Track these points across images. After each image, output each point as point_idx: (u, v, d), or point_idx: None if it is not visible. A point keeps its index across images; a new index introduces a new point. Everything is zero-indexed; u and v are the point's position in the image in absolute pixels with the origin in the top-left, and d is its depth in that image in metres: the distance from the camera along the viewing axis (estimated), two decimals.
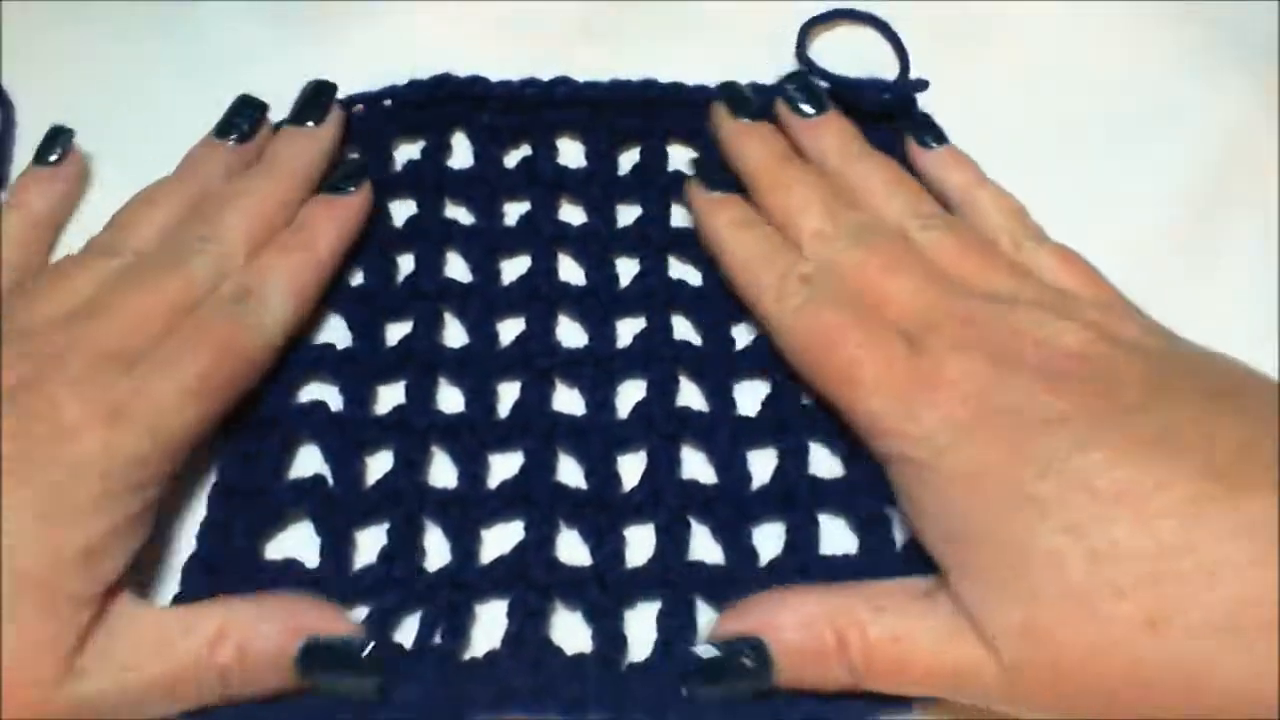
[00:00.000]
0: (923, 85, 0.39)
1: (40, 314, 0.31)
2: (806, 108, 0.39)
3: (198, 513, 0.33)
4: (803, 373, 0.33)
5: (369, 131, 0.40)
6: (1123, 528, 0.26)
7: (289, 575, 0.31)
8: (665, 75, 0.41)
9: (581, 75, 0.41)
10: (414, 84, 0.40)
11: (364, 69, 0.41)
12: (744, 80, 0.41)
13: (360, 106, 0.40)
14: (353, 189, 0.36)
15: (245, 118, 0.38)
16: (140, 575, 0.31)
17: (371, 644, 0.29)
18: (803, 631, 0.29)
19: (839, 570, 0.32)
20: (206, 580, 0.31)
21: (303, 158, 0.37)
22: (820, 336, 0.32)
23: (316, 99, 0.38)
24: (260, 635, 0.28)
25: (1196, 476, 0.26)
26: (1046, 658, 0.26)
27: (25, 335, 0.31)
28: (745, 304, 0.35)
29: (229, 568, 0.31)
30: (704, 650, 0.29)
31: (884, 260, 0.33)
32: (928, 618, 0.28)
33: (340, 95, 0.40)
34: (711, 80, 0.41)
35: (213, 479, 0.33)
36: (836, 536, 0.33)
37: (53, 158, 0.38)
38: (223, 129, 0.38)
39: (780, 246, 0.35)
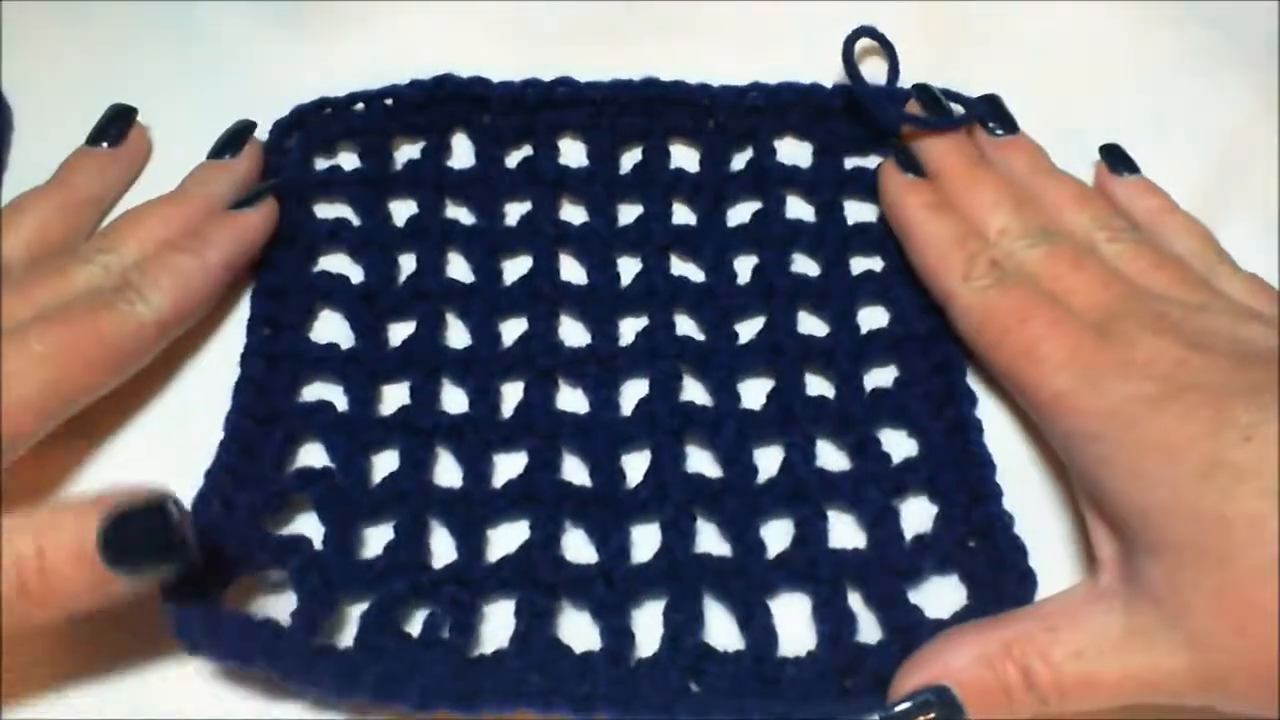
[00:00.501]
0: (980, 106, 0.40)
1: None
2: (997, 128, 0.39)
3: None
4: (982, 351, 0.33)
5: (369, 131, 0.40)
6: None
7: (295, 552, 0.31)
8: (667, 75, 0.41)
9: (583, 75, 0.41)
10: (415, 84, 0.40)
11: (364, 69, 0.41)
12: (745, 80, 0.41)
13: (361, 106, 0.40)
14: (254, 206, 0.37)
15: (116, 125, 0.40)
16: None
17: (172, 500, 0.27)
18: (984, 669, 0.28)
19: (848, 565, 0.32)
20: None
21: (211, 185, 0.37)
22: (1006, 314, 0.32)
23: (236, 137, 0.39)
24: (58, 527, 0.27)
25: None
26: (1238, 625, 0.25)
27: None
28: (928, 281, 0.35)
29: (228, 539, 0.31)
30: (892, 710, 0.28)
31: (1072, 257, 0.33)
32: (1108, 623, 0.27)
33: (340, 95, 0.40)
34: (714, 79, 0.41)
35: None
36: (844, 531, 0.33)
37: (105, 141, 0.39)
38: (94, 137, 0.39)
39: (971, 232, 0.35)
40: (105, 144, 0.39)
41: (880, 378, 0.36)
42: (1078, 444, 0.30)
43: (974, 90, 0.41)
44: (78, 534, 0.27)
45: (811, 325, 0.37)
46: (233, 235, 0.36)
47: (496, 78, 0.40)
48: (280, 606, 0.31)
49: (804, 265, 0.38)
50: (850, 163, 0.40)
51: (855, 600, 0.31)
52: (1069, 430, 0.30)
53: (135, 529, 0.27)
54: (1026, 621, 0.28)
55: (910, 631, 0.30)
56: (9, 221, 0.36)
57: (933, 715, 0.28)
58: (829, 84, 0.41)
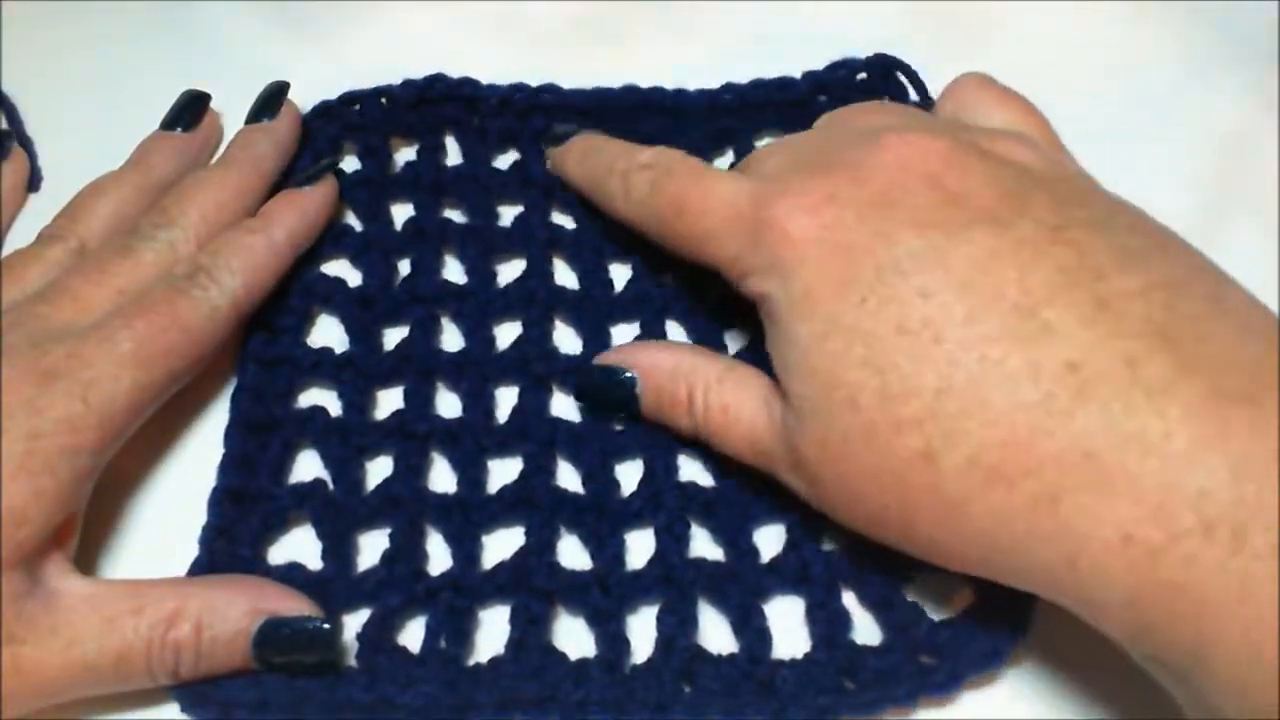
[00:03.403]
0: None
1: None
2: None
3: (197, 518, 0.33)
4: (668, 247, 0.34)
5: (367, 132, 0.40)
6: (912, 365, 0.26)
7: (292, 578, 0.31)
8: (660, 77, 0.41)
9: (577, 76, 0.41)
10: (407, 84, 0.40)
11: (362, 69, 0.42)
12: (733, 79, 0.41)
13: (358, 106, 0.41)
14: (316, 184, 0.37)
15: (190, 110, 0.40)
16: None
17: (327, 622, 0.29)
18: (667, 379, 0.33)
19: (842, 566, 0.32)
20: None
21: (255, 149, 0.38)
22: (668, 205, 0.33)
23: (271, 99, 0.39)
24: (219, 616, 0.28)
25: (1008, 311, 0.26)
26: (837, 475, 0.28)
27: None
28: (603, 211, 0.37)
29: (233, 571, 0.31)
30: (589, 369, 0.34)
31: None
32: (758, 406, 0.31)
33: (336, 95, 0.41)
34: (711, 82, 0.41)
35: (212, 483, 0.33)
36: (838, 535, 0.33)
37: (180, 126, 0.39)
38: (169, 122, 0.39)
39: (619, 153, 0.36)
40: (180, 128, 0.39)
41: None
42: (760, 304, 0.30)
43: None
44: (237, 628, 0.29)
45: None
46: (299, 214, 0.36)
47: (491, 78, 0.41)
48: None
49: None
50: None
51: (851, 602, 0.31)
52: (751, 292, 0.30)
53: (289, 636, 0.29)
54: (713, 363, 0.33)
55: (911, 629, 0.30)
56: (88, 204, 0.36)
57: (611, 386, 0.34)
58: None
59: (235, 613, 0.29)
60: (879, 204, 0.28)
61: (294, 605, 0.29)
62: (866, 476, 0.27)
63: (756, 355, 0.35)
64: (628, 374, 0.33)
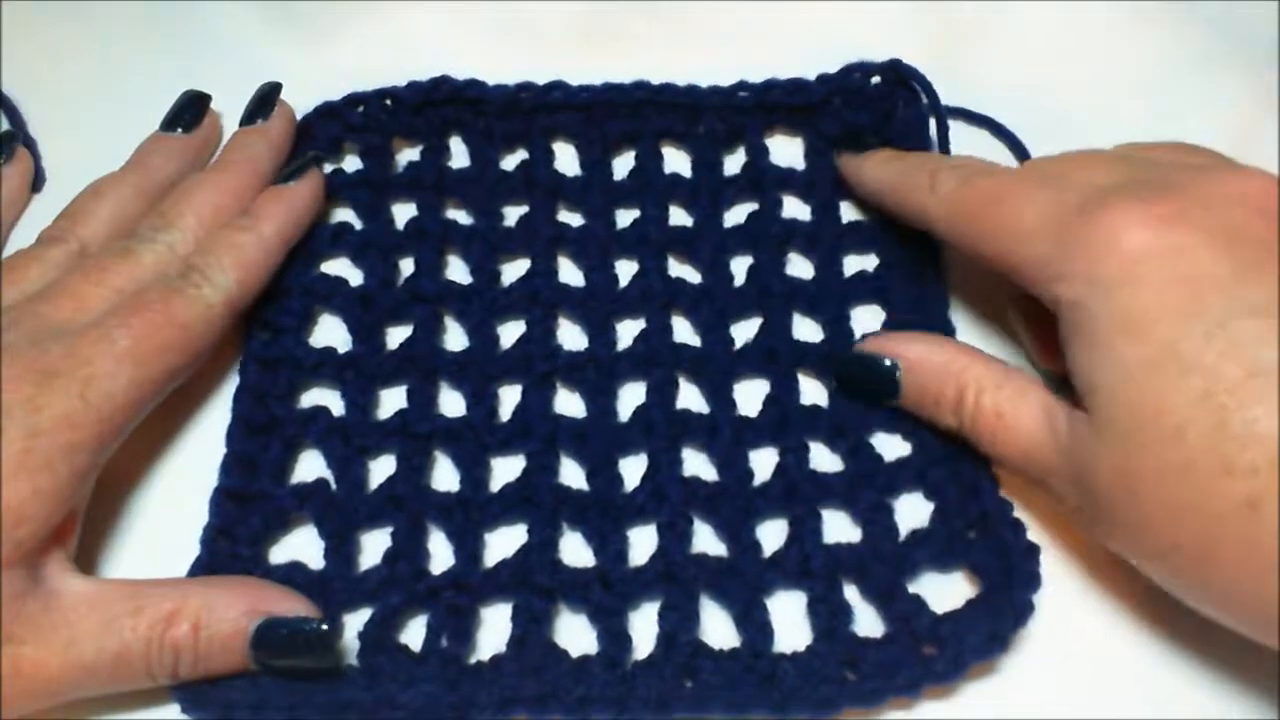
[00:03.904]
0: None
1: None
2: None
3: (198, 517, 0.32)
4: (968, 246, 0.33)
5: (369, 132, 0.40)
6: (1263, 410, 0.25)
7: (293, 578, 0.31)
8: (664, 77, 0.41)
9: (581, 77, 0.41)
10: (412, 85, 0.40)
11: (363, 69, 0.41)
12: (736, 79, 0.41)
13: (361, 108, 0.40)
14: (302, 178, 0.37)
15: (190, 111, 0.40)
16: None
17: (325, 624, 0.29)
18: (936, 376, 0.33)
19: (842, 560, 0.32)
20: None
21: (250, 151, 0.38)
22: (979, 202, 0.32)
23: (264, 100, 0.39)
24: (216, 616, 0.28)
25: None
26: (1130, 503, 0.27)
27: None
28: (903, 215, 0.36)
29: (233, 571, 0.31)
30: (849, 351, 0.35)
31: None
32: (1038, 416, 0.30)
33: (339, 96, 0.40)
34: (712, 81, 0.41)
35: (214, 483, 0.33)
36: (839, 530, 0.33)
37: (180, 127, 0.39)
38: (169, 122, 0.39)
39: (927, 156, 0.37)
40: (180, 129, 0.39)
41: None
42: (1062, 312, 0.30)
43: (974, 90, 0.41)
44: (235, 629, 0.29)
45: (807, 328, 0.37)
46: (286, 209, 0.36)
47: (497, 79, 0.40)
48: None
49: (800, 265, 0.38)
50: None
51: (854, 596, 0.31)
52: (1057, 297, 0.30)
53: (286, 637, 0.29)
54: (991, 366, 0.32)
55: (913, 622, 0.30)
56: (88, 206, 0.36)
57: (872, 375, 0.34)
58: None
59: (233, 613, 0.29)
60: (1224, 236, 0.27)
61: (292, 606, 0.29)
62: (1168, 511, 0.27)
63: (763, 346, 0.36)
64: (890, 362, 0.33)
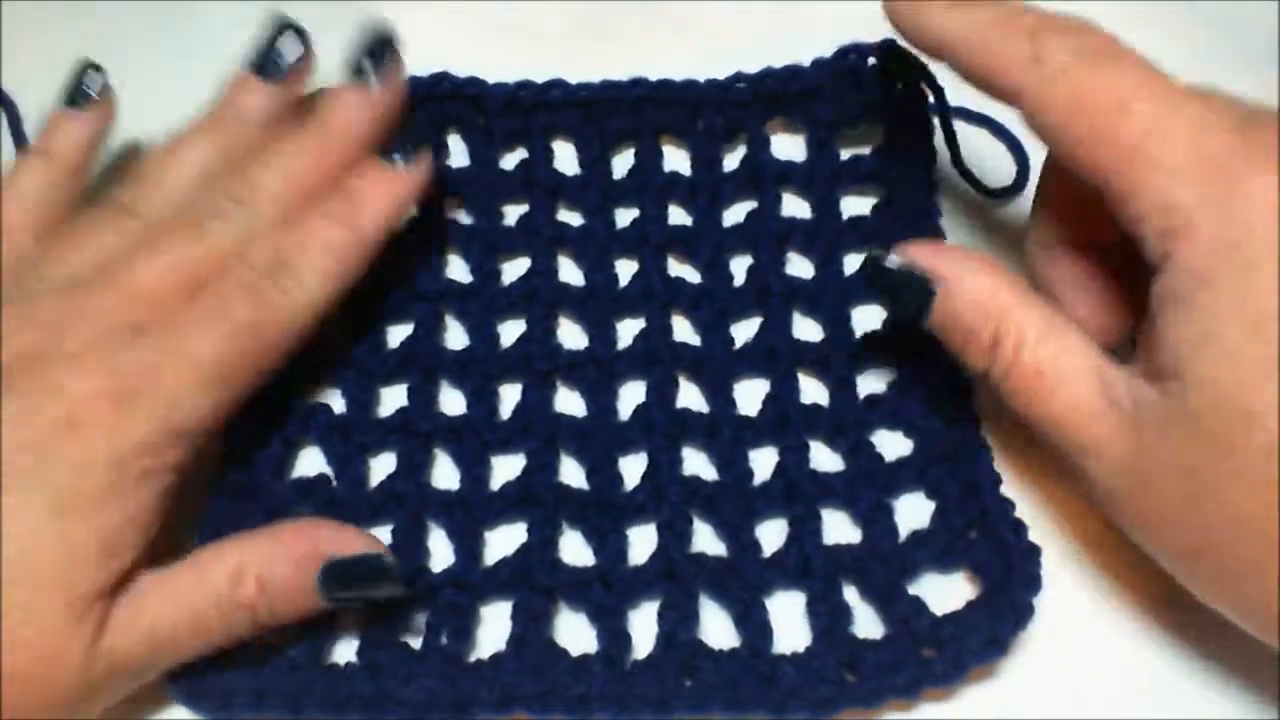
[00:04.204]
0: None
1: (48, 277, 0.30)
2: None
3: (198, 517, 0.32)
4: (1069, 154, 0.27)
5: None
6: None
7: None
8: (663, 76, 0.41)
9: (580, 77, 0.41)
10: (412, 81, 0.40)
11: None
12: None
13: None
14: (412, 162, 0.33)
15: (286, 51, 0.34)
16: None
17: (386, 557, 0.29)
18: (973, 311, 0.28)
19: (842, 560, 0.32)
20: None
21: (351, 117, 0.33)
22: (1102, 98, 0.26)
23: (376, 51, 0.33)
24: (279, 565, 0.28)
25: None
26: (1190, 513, 0.25)
27: (29, 299, 0.29)
28: (990, 87, 0.29)
29: None
30: (883, 261, 0.29)
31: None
32: (1088, 382, 0.27)
33: None
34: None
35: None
36: (839, 529, 0.33)
37: (81, 100, 0.35)
38: (260, 65, 0.34)
39: (1019, 12, 0.28)
40: (276, 75, 0.34)
41: (874, 380, 0.36)
42: (1171, 272, 0.25)
43: (972, 90, 0.41)
44: (300, 575, 0.28)
45: (807, 327, 0.37)
46: (390, 200, 0.32)
47: (497, 77, 0.40)
48: None
49: (800, 264, 0.38)
50: (846, 153, 0.40)
51: (853, 596, 0.31)
52: (1165, 252, 0.25)
53: (352, 573, 0.28)
54: (1040, 311, 0.28)
55: (913, 623, 0.30)
56: (163, 174, 0.32)
57: (908, 294, 0.29)
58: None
59: (294, 562, 0.28)
60: None
61: (352, 544, 0.29)
62: (1225, 520, 0.25)
63: (763, 345, 0.36)
64: (926, 280, 0.29)
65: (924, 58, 0.33)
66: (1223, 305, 0.24)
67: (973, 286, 0.29)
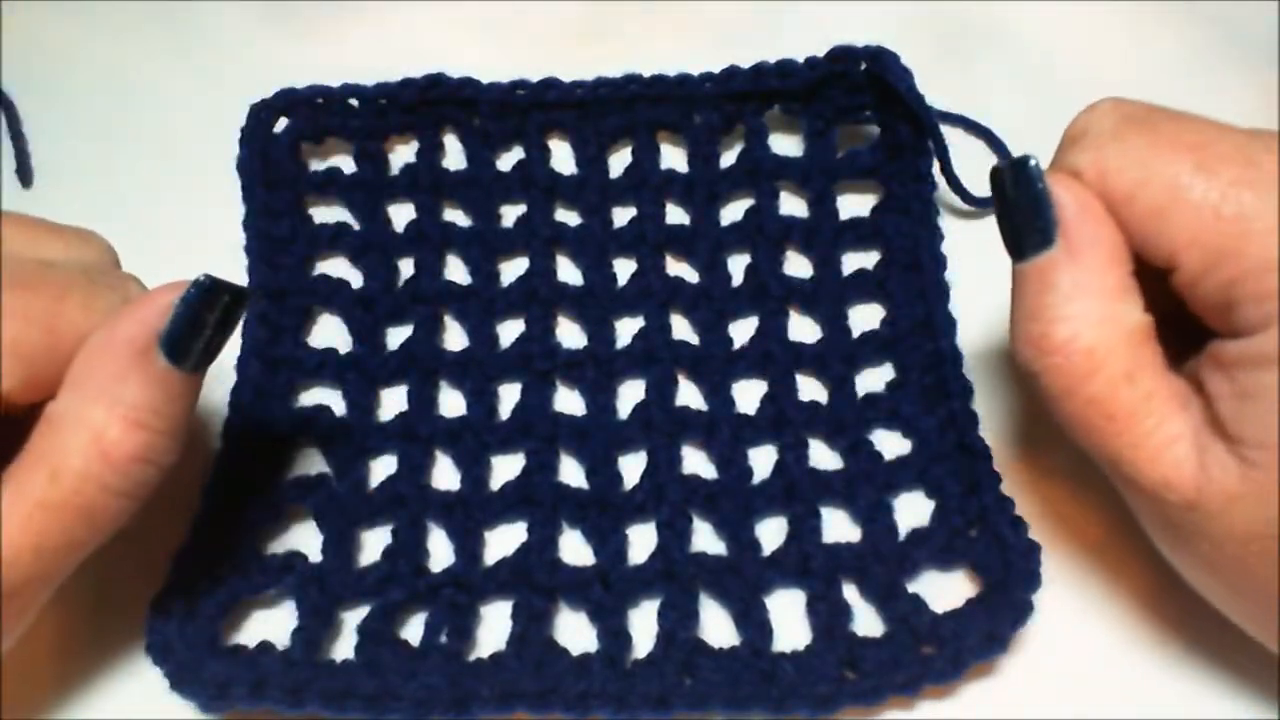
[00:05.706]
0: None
1: None
2: None
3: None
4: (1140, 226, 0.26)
5: (365, 131, 0.40)
6: None
7: (292, 569, 0.31)
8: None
9: (576, 76, 0.40)
10: (407, 82, 0.40)
11: (360, 68, 0.41)
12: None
13: (355, 101, 0.40)
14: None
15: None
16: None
17: (199, 278, 0.26)
18: (1064, 295, 0.25)
19: (842, 559, 0.32)
20: (200, 571, 0.31)
21: None
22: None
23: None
24: (126, 395, 0.25)
25: None
26: (1240, 570, 0.25)
27: None
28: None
29: (226, 559, 0.31)
30: (1027, 166, 0.26)
31: None
32: (1187, 445, 0.25)
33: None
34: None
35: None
36: (839, 528, 0.33)
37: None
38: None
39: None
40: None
41: (873, 379, 0.36)
42: (1252, 340, 0.24)
43: (974, 90, 0.41)
44: (146, 375, 0.25)
45: (805, 326, 0.37)
46: None
47: (490, 78, 0.40)
48: (277, 618, 0.31)
49: (798, 262, 0.38)
50: (843, 149, 0.40)
51: (853, 595, 0.31)
52: (1271, 315, 0.23)
53: (185, 322, 0.25)
54: (1131, 350, 0.25)
55: (913, 621, 0.30)
56: None
57: (1030, 218, 0.26)
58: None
59: (133, 379, 0.25)
60: None
61: (161, 302, 0.26)
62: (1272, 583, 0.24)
63: (761, 345, 0.36)
64: (1051, 224, 0.26)
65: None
66: None
67: (1085, 276, 0.26)
